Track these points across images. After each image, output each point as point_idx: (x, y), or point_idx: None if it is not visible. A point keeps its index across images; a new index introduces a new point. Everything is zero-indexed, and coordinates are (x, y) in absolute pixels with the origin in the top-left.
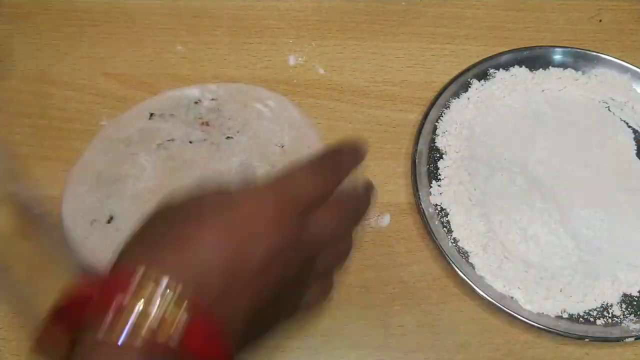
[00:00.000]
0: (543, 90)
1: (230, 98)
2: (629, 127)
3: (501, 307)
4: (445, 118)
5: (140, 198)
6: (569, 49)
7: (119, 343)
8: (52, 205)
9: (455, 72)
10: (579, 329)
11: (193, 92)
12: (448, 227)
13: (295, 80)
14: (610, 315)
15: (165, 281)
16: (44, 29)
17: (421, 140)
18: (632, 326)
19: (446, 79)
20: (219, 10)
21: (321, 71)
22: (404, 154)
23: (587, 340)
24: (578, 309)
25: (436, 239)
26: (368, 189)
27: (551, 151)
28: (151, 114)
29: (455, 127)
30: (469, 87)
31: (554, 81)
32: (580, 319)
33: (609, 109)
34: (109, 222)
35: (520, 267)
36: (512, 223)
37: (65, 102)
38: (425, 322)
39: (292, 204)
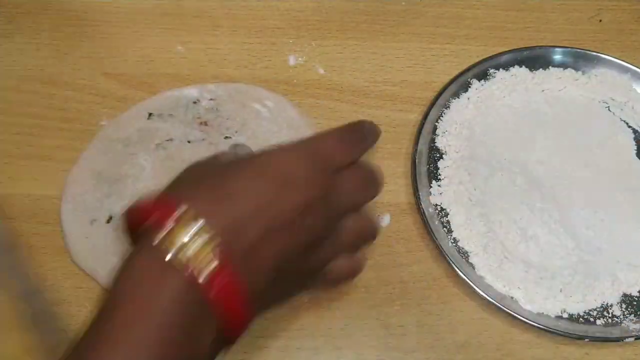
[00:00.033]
0: (543, 90)
1: (229, 98)
2: (629, 127)
3: (501, 307)
4: (445, 118)
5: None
6: (569, 49)
7: (166, 259)
8: (52, 205)
9: (455, 72)
10: (579, 329)
11: (191, 92)
12: (448, 227)
13: (295, 80)
14: (610, 315)
15: (200, 223)
16: (43, 29)
17: (421, 140)
18: (632, 326)
19: (446, 79)
20: (219, 10)
21: (321, 71)
22: (404, 154)
23: (587, 340)
24: (578, 309)
25: (436, 239)
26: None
27: (551, 151)
28: (150, 114)
29: (455, 127)
30: (469, 87)
31: (554, 81)
32: (580, 319)
33: (609, 109)
34: (108, 221)
35: (520, 267)
36: (512, 223)
37: (65, 102)
38: (425, 322)
39: (324, 162)
